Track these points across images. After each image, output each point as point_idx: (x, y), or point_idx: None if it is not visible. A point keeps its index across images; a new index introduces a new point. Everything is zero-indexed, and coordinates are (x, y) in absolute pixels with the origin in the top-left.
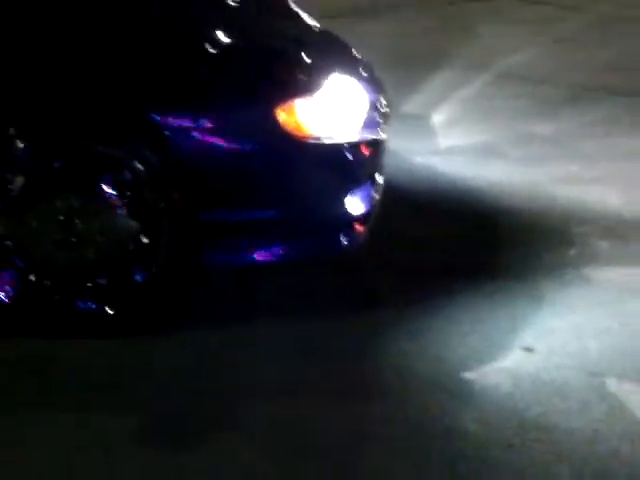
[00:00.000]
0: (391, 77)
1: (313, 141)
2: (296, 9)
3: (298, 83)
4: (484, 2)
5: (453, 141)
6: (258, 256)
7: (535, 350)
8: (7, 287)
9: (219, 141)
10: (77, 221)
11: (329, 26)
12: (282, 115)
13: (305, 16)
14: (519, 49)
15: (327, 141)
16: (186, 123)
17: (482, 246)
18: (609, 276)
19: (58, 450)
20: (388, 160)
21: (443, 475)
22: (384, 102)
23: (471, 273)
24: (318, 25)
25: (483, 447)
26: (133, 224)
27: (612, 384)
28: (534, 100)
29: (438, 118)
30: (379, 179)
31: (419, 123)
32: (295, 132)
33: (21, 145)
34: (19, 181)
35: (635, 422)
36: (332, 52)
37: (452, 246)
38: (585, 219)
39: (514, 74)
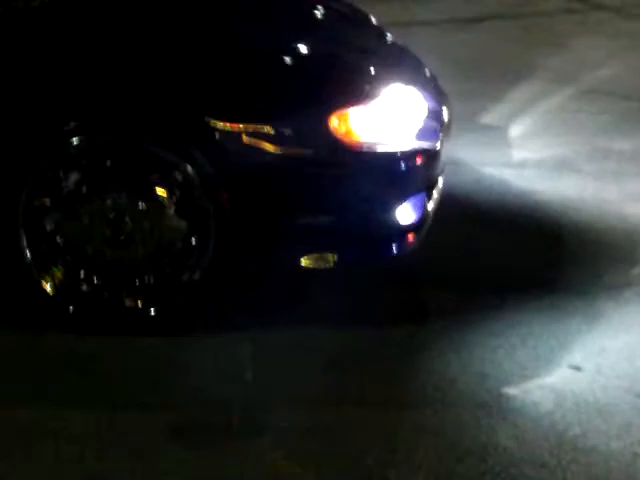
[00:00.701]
0: (473, 88)
1: (366, 149)
2: (372, 20)
3: (353, 92)
4: (580, 14)
5: (527, 154)
6: (307, 261)
7: (583, 369)
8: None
9: (273, 147)
10: (127, 219)
11: (418, 34)
12: (336, 122)
13: (378, 27)
14: (608, 63)
15: (380, 149)
16: (240, 129)
17: (543, 261)
18: None
19: (91, 447)
20: (457, 170)
21: None
22: (446, 113)
23: (527, 288)
24: (391, 36)
25: (515, 465)
26: (182, 224)
27: None
28: (617, 115)
29: (515, 130)
30: (436, 189)
31: (495, 134)
32: (348, 139)
33: (78, 141)
34: (73, 177)
35: None
36: (396, 62)
37: (511, 260)
38: None
39: (600, 89)
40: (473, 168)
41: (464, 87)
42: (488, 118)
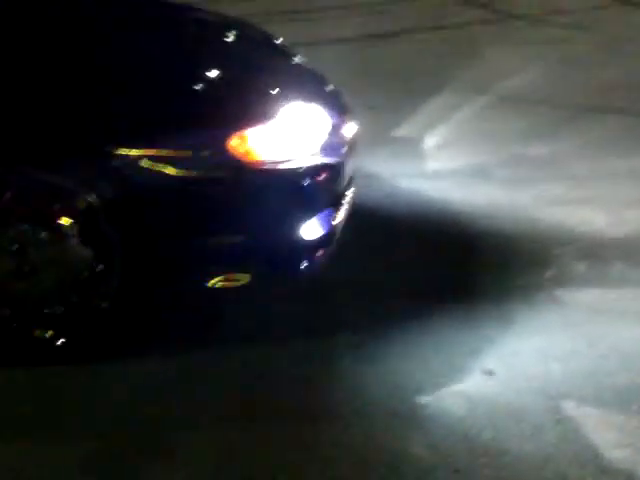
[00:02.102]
0: (387, 101)
1: (267, 168)
2: (273, 40)
3: (251, 112)
4: (494, 24)
5: (442, 164)
6: (218, 282)
7: (496, 373)
8: None
9: (174, 171)
10: (31, 250)
11: (343, 50)
12: (235, 143)
13: (279, 47)
14: (522, 71)
15: (281, 167)
16: (140, 154)
17: (456, 269)
18: (582, 298)
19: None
20: (371, 183)
21: None
22: (351, 127)
23: (442, 296)
24: (293, 55)
25: (428, 472)
26: (87, 253)
27: (570, 407)
28: (532, 122)
29: (430, 141)
30: (343, 204)
31: (410, 146)
32: (249, 159)
33: None
34: None
35: (587, 446)
36: (296, 80)
37: (426, 269)
38: (565, 240)
39: (515, 96)
40: (387, 180)
41: (378, 101)
42: (403, 130)
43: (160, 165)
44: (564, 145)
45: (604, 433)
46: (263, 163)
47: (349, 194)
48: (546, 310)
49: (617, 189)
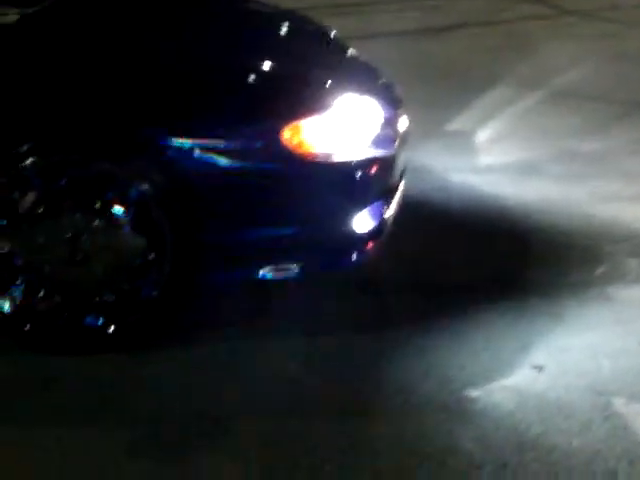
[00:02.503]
0: (441, 96)
1: (319, 160)
2: (327, 32)
3: (305, 103)
4: (547, 20)
5: (494, 159)
6: (268, 273)
7: (545, 369)
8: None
9: (227, 162)
10: (84, 238)
11: (395, 44)
12: (288, 135)
13: (333, 39)
14: (576, 66)
15: (334, 159)
16: (194, 144)
17: (509, 264)
18: (634, 295)
19: (54, 463)
20: (423, 177)
21: None
22: (403, 120)
23: (493, 291)
24: (347, 47)
25: (477, 467)
26: (139, 241)
27: (619, 404)
28: (585, 117)
29: (483, 136)
30: (394, 196)
31: (463, 140)
32: (301, 151)
33: (31, 162)
34: (28, 198)
35: (637, 442)
36: (350, 72)
37: (478, 264)
38: (619, 237)
39: (568, 91)
40: (440, 174)
41: (432, 95)
42: (457, 124)
43: (213, 155)
44: (617, 142)
45: None
46: (316, 155)
47: (401, 187)
48: (597, 306)
49: None
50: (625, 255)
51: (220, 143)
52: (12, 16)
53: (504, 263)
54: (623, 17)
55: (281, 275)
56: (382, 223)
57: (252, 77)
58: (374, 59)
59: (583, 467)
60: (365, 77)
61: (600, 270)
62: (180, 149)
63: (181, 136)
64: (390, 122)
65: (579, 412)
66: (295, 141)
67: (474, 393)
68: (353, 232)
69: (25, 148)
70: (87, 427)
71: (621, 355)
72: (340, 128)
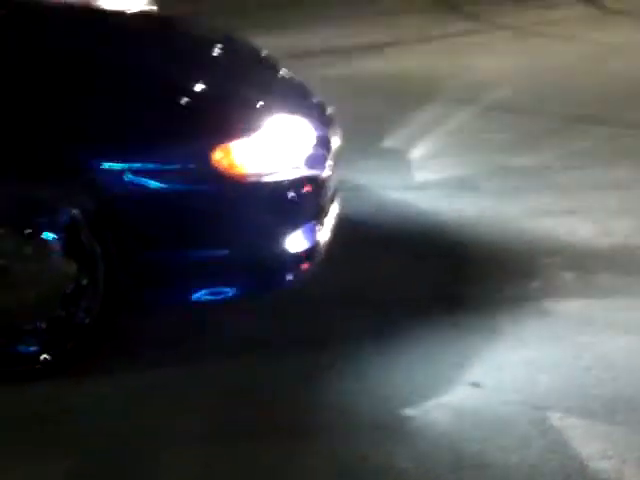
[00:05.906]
0: (375, 113)
1: (250, 181)
2: (259, 52)
3: (234, 125)
4: (482, 35)
5: (428, 175)
6: (200, 296)
7: (482, 385)
8: None
9: (157, 184)
10: (14, 264)
11: (332, 63)
12: (219, 156)
13: (265, 59)
14: (510, 81)
15: (265, 180)
16: (120, 166)
17: (444, 280)
18: (569, 308)
19: None
20: (358, 195)
21: None
22: (335, 140)
23: (429, 308)
24: (279, 68)
25: None
26: (71, 267)
27: (556, 419)
28: (519, 132)
29: (416, 153)
30: (328, 216)
31: (396, 158)
32: (232, 172)
33: None
34: None
35: (573, 457)
36: (281, 93)
37: (414, 281)
38: (553, 251)
39: (502, 106)
40: (375, 192)
41: (366, 112)
42: (390, 142)
43: (143, 177)
44: (549, 156)
45: (590, 444)
46: (246, 176)
47: (334, 206)
48: (533, 321)
49: (603, 200)
50: (559, 269)
51: (150, 165)
52: None
53: (439, 279)
54: (558, 32)
55: (216, 297)
56: (316, 243)
57: (183, 99)
58: (309, 77)
59: None
60: (296, 97)
61: (535, 284)
62: (110, 172)
63: (111, 159)
64: (322, 141)
65: (516, 428)
66: (226, 162)
67: (410, 412)
68: (287, 253)
69: None
70: (17, 456)
71: (557, 369)
72: (271, 149)
